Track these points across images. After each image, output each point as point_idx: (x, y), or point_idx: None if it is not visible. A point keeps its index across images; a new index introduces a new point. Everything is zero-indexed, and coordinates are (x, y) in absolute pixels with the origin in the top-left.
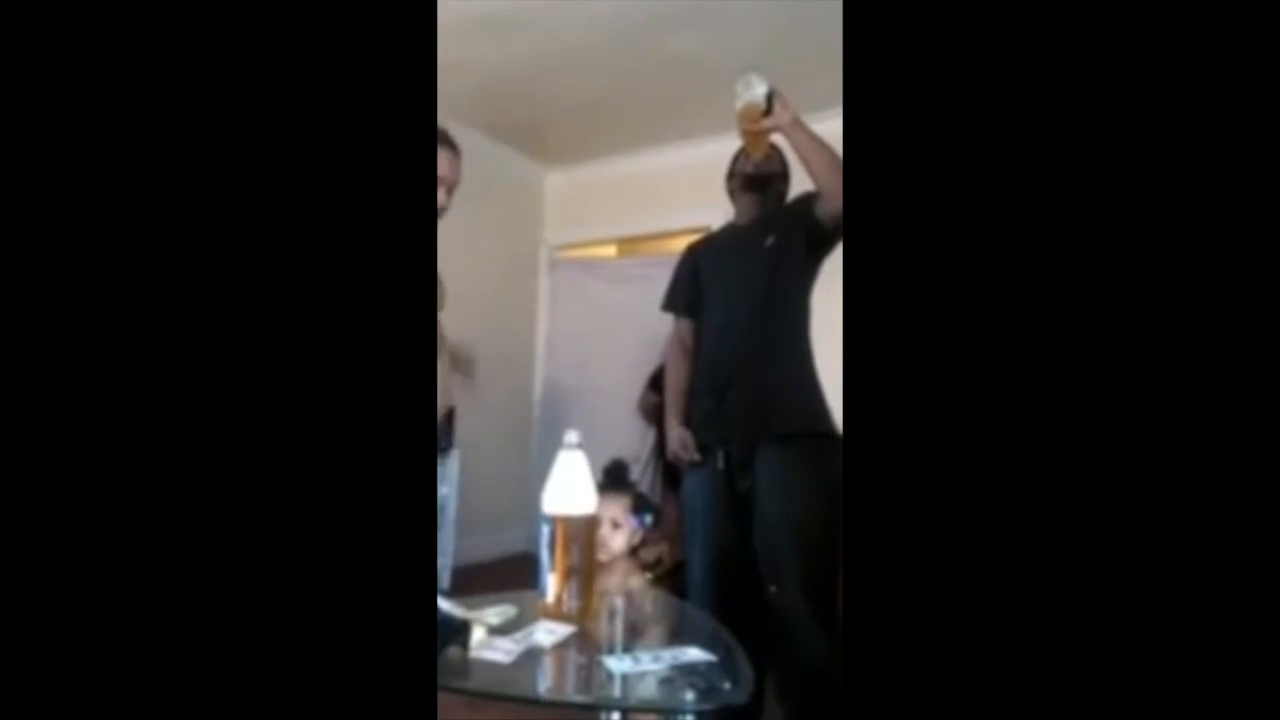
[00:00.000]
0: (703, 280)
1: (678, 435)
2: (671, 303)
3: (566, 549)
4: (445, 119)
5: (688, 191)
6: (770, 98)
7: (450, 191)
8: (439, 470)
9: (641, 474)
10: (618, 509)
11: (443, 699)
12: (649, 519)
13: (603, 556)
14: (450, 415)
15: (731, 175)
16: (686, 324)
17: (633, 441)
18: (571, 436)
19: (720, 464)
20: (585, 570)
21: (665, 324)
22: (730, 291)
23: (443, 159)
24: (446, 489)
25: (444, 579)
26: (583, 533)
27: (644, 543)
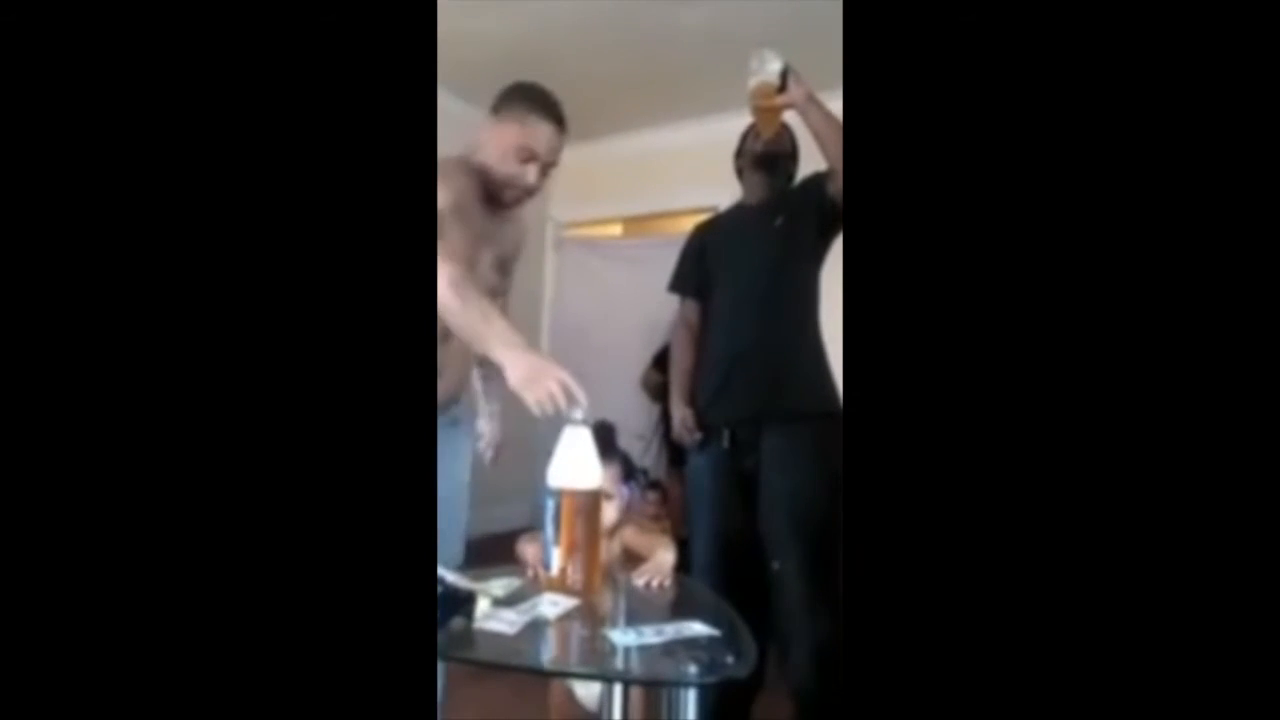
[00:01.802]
0: (710, 261)
1: (681, 415)
2: (678, 284)
3: (572, 523)
4: (452, 95)
5: (695, 171)
6: (784, 74)
7: (545, 171)
8: (453, 443)
9: (645, 451)
10: (606, 478)
11: (448, 670)
12: (636, 487)
13: None
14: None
15: (740, 154)
16: (692, 305)
17: (637, 419)
18: (577, 412)
19: (726, 443)
20: (589, 543)
21: (670, 304)
22: (738, 272)
23: (542, 133)
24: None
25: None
26: (587, 506)
27: (627, 508)
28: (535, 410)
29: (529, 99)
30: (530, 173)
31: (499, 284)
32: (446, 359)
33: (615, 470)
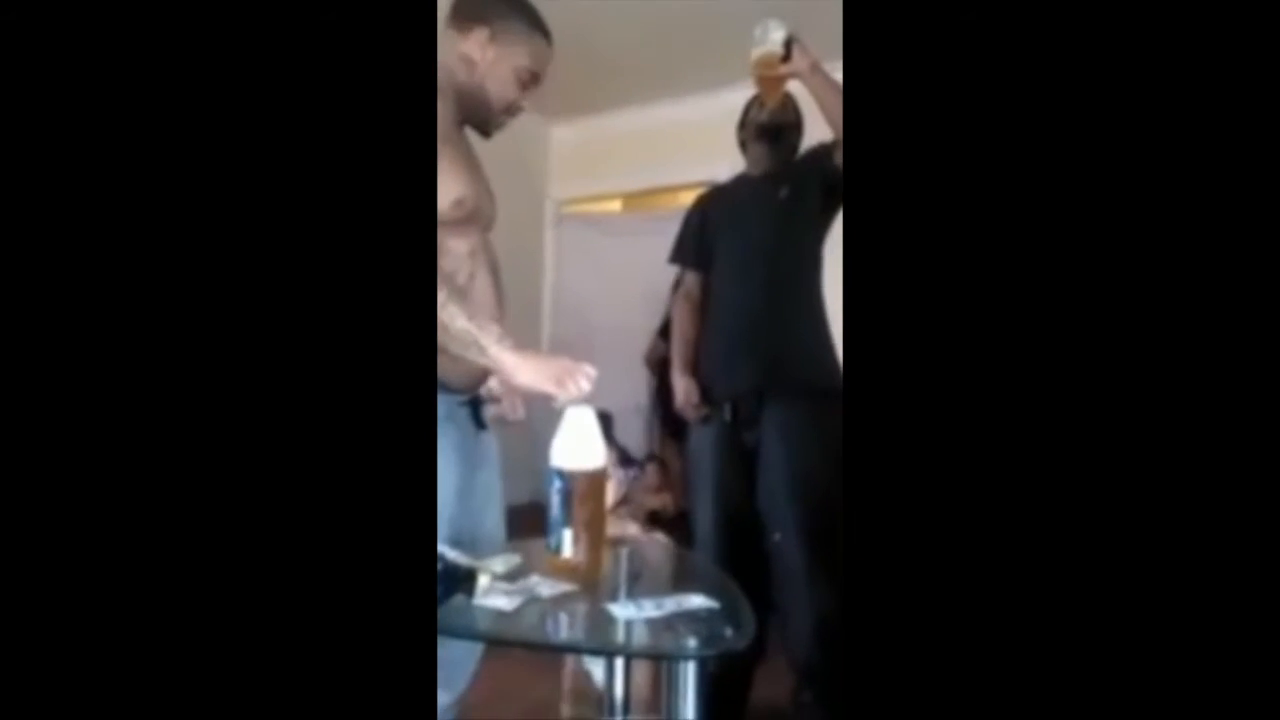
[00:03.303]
0: (712, 232)
1: (683, 388)
2: (679, 254)
3: (582, 504)
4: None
5: (696, 146)
6: (789, 43)
7: (528, 89)
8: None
9: (645, 425)
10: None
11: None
12: (633, 473)
13: None
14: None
15: (744, 125)
16: (694, 276)
17: (637, 397)
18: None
19: (727, 416)
20: (594, 525)
21: (671, 281)
22: (741, 244)
23: (543, 53)
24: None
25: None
26: (593, 487)
27: (625, 499)
28: (561, 403)
29: (524, 13)
30: (525, 98)
31: (494, 212)
32: None
33: (612, 455)
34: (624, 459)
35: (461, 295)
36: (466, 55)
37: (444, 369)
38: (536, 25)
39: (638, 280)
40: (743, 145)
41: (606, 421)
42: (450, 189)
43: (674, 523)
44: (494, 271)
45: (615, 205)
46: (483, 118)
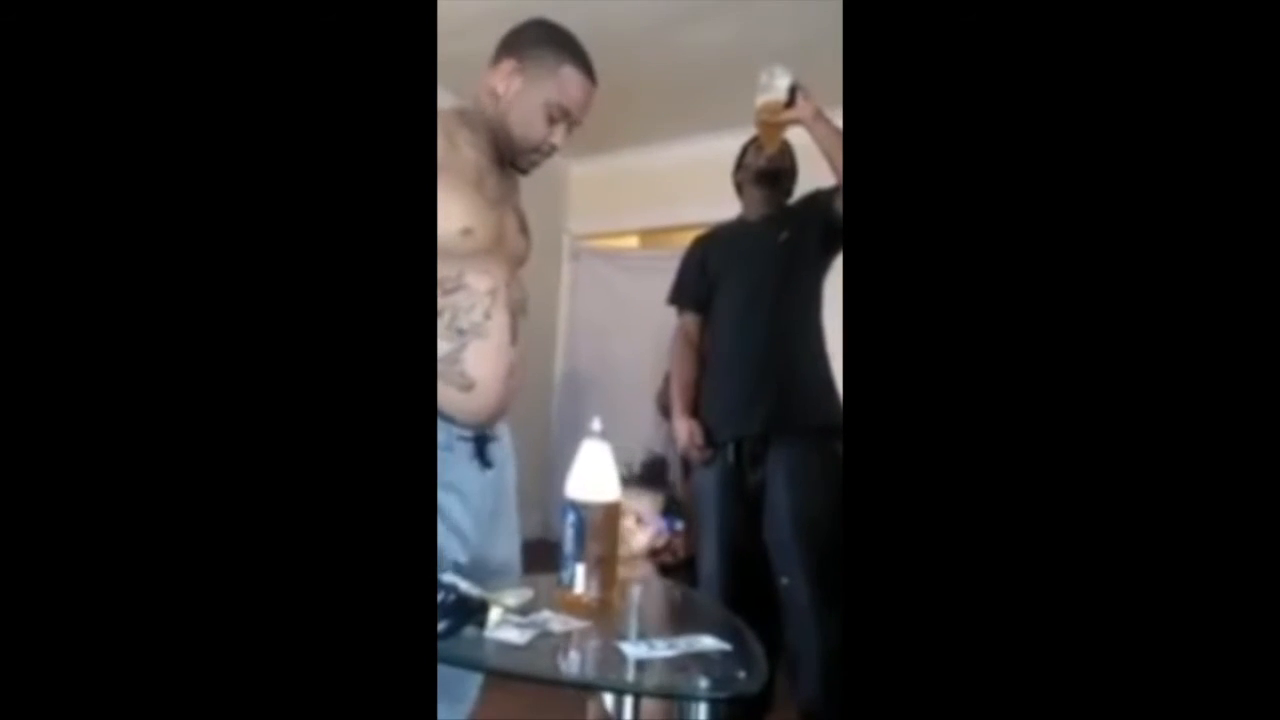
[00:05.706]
0: (712, 274)
1: (686, 429)
2: (679, 295)
3: (596, 538)
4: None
5: (712, 185)
6: (793, 90)
7: (570, 130)
8: (508, 453)
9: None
10: (645, 505)
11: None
12: (679, 524)
13: (620, 551)
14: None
15: (740, 168)
16: (692, 318)
17: (651, 434)
18: (596, 424)
19: (731, 457)
20: (608, 560)
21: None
22: (742, 286)
23: (575, 87)
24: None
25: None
26: (606, 520)
27: (668, 546)
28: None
29: (561, 45)
30: (558, 134)
31: (525, 249)
32: (487, 373)
33: (659, 500)
34: (669, 507)
35: (476, 333)
36: (491, 87)
37: (450, 401)
38: (572, 56)
39: (652, 316)
40: (738, 188)
41: (661, 466)
42: (456, 216)
43: (683, 565)
44: (514, 312)
45: (632, 241)
46: (510, 153)
